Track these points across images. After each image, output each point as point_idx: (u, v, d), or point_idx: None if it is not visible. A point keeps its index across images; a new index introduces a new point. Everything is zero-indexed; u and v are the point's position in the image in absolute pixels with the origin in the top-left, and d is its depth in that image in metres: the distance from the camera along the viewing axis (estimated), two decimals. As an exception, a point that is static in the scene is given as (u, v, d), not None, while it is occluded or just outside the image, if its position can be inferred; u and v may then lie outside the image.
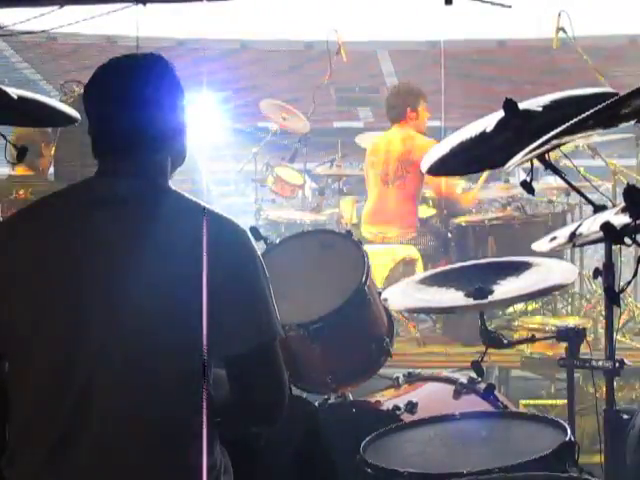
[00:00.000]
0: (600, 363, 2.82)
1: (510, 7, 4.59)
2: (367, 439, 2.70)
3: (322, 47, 7.17)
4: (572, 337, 2.88)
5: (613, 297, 2.36)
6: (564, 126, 1.93)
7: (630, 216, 1.87)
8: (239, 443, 2.35)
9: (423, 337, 5.60)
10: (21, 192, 4.99)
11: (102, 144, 2.19)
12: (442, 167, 2.87)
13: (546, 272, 2.94)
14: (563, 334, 2.90)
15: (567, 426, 2.59)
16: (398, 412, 3.10)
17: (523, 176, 2.30)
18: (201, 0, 4.69)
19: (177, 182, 2.22)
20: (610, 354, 2.82)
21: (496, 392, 3.25)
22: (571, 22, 5.95)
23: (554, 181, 6.47)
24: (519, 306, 5.41)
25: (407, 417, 3.06)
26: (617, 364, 2.78)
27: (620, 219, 2.08)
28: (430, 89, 6.76)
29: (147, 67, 2.18)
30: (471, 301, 2.85)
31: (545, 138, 2.02)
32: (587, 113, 1.85)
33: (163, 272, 2.04)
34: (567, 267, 3.15)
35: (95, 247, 2.08)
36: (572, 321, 5.08)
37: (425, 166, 2.87)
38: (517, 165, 2.27)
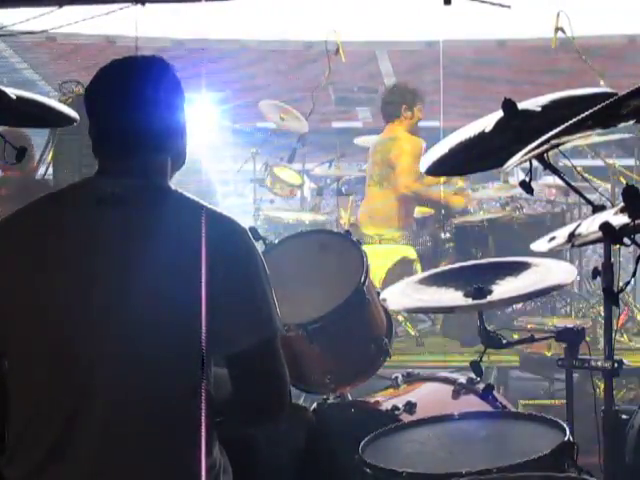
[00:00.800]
0: (599, 363, 2.82)
1: (509, 7, 4.60)
2: (366, 439, 2.70)
3: (321, 47, 7.17)
4: (571, 337, 2.87)
5: (612, 297, 2.36)
6: (563, 126, 1.93)
7: (629, 216, 1.87)
8: (238, 443, 2.35)
9: (422, 337, 5.60)
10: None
11: (102, 144, 2.20)
12: (441, 167, 2.87)
13: (545, 272, 2.94)
14: (562, 334, 2.90)
15: (566, 426, 2.59)
16: (397, 412, 3.09)
17: (522, 176, 2.30)
18: (200, 0, 4.69)
19: (182, 183, 2.23)
20: (609, 354, 2.82)
21: (495, 392, 3.25)
22: (570, 22, 5.95)
23: (553, 181, 6.47)
24: (518, 306, 5.41)
25: (406, 417, 3.06)
26: (616, 364, 2.78)
27: (619, 219, 2.08)
28: (429, 89, 6.77)
29: (148, 68, 2.20)
30: (470, 301, 2.85)
31: (544, 138, 2.02)
32: (586, 113, 1.85)
33: (163, 271, 2.05)
34: (566, 267, 3.15)
35: (94, 246, 2.08)
36: (571, 321, 5.08)
37: (424, 166, 2.87)
38: (516, 165, 2.27)
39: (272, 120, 7.20)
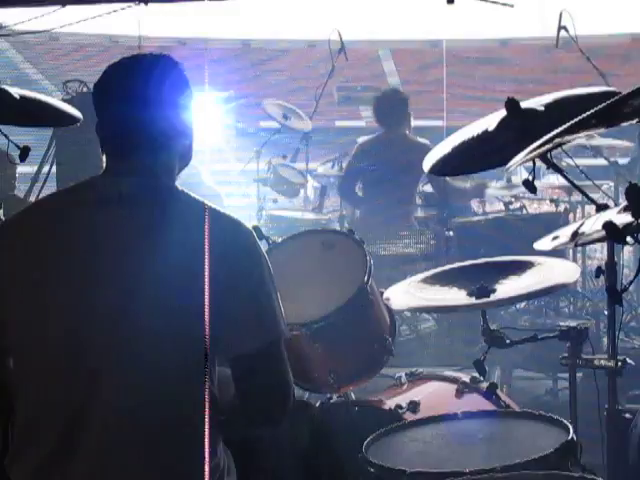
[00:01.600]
0: (602, 362, 2.82)
1: (512, 6, 4.59)
2: (369, 438, 2.70)
3: (324, 47, 7.17)
4: (574, 336, 2.87)
5: (615, 296, 2.36)
6: (566, 125, 1.93)
7: (632, 215, 1.87)
8: (243, 444, 2.35)
9: (425, 336, 5.59)
10: None
11: (109, 143, 2.19)
12: (444, 166, 2.87)
13: (548, 271, 2.94)
14: (565, 333, 2.90)
15: (569, 425, 2.59)
16: (400, 411, 3.09)
17: (525, 175, 2.30)
18: (203, -1, 4.69)
19: (186, 185, 2.22)
20: (612, 353, 2.82)
21: (498, 391, 3.24)
22: (573, 21, 5.94)
23: (556, 180, 6.46)
24: (521, 305, 5.41)
25: (409, 416, 3.06)
26: (619, 363, 2.78)
27: (622, 218, 2.08)
28: (432, 88, 6.77)
29: (155, 67, 2.18)
30: (473, 300, 2.85)
31: (547, 137, 2.01)
32: (589, 112, 1.84)
33: (168, 271, 2.04)
34: (569, 266, 3.15)
35: (99, 246, 2.08)
36: (574, 320, 5.07)
37: (427, 166, 2.87)
38: (519, 164, 2.27)
39: (275, 119, 7.19)
